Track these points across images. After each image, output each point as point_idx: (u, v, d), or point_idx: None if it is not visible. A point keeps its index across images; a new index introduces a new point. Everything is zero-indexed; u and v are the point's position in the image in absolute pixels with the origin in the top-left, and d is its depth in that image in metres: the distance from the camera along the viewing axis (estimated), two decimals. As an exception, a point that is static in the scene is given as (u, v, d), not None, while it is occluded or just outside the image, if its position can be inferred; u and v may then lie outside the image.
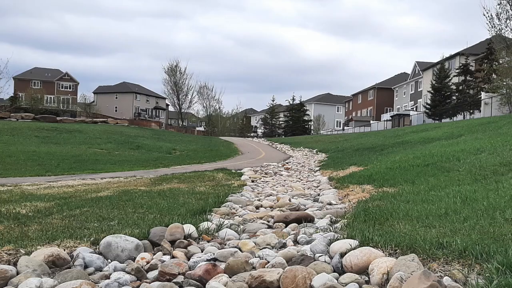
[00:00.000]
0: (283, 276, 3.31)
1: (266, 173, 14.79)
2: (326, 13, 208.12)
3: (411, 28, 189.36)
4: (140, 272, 3.68)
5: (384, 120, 55.56)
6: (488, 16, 32.23)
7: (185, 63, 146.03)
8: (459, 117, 38.37)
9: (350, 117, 75.88)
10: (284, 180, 12.75)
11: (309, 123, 79.02)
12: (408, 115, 50.13)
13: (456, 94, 42.56)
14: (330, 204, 7.53)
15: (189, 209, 6.45)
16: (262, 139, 58.25)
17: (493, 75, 34.71)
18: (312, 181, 12.39)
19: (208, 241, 4.75)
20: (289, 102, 79.85)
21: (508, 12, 31.69)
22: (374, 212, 5.32)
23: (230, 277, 3.52)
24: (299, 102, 78.34)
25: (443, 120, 39.40)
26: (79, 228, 5.01)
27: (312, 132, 76.76)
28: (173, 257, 4.14)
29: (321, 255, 3.89)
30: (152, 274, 3.72)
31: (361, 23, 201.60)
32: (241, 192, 9.14)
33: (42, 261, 3.68)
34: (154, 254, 4.23)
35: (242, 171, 14.58)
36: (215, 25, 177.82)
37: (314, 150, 29.89)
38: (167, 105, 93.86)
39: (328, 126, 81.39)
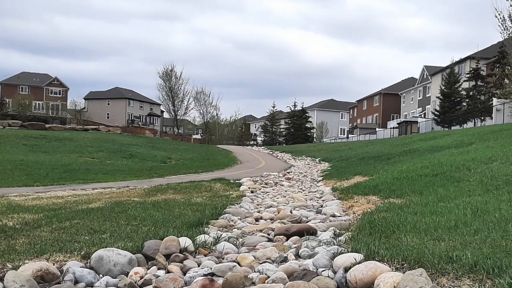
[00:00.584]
0: (284, 291, 3.32)
1: (266, 183, 14.81)
2: (328, 14, 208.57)
3: (417, 31, 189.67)
4: (133, 288, 3.68)
5: (391, 128, 55.74)
6: (500, 18, 32.41)
7: (181, 68, 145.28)
8: (470, 124, 38.46)
9: (354, 124, 76.02)
10: (285, 191, 12.75)
11: (312, 130, 79.15)
12: (416, 122, 50.31)
13: (467, 100, 42.69)
14: (333, 216, 7.53)
15: (185, 221, 6.45)
16: (262, 147, 58.29)
17: (506, 80, 34.84)
18: (315, 191, 12.40)
19: (205, 255, 4.75)
20: (290, 109, 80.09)
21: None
22: (380, 225, 5.33)
23: (228, 293, 3.53)
24: (301, 108, 78.50)
25: (452, 128, 39.50)
26: (69, 241, 5.01)
27: (314, 140, 76.86)
28: (168, 271, 4.14)
29: (324, 270, 3.90)
30: (146, 289, 3.72)
31: (365, 25, 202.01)
32: (240, 203, 9.13)
33: (30, 276, 3.67)
34: (148, 268, 4.23)
35: (241, 181, 14.60)
36: (213, 27, 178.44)
37: (317, 159, 29.96)
38: (162, 111, 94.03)
39: (331, 133, 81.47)
